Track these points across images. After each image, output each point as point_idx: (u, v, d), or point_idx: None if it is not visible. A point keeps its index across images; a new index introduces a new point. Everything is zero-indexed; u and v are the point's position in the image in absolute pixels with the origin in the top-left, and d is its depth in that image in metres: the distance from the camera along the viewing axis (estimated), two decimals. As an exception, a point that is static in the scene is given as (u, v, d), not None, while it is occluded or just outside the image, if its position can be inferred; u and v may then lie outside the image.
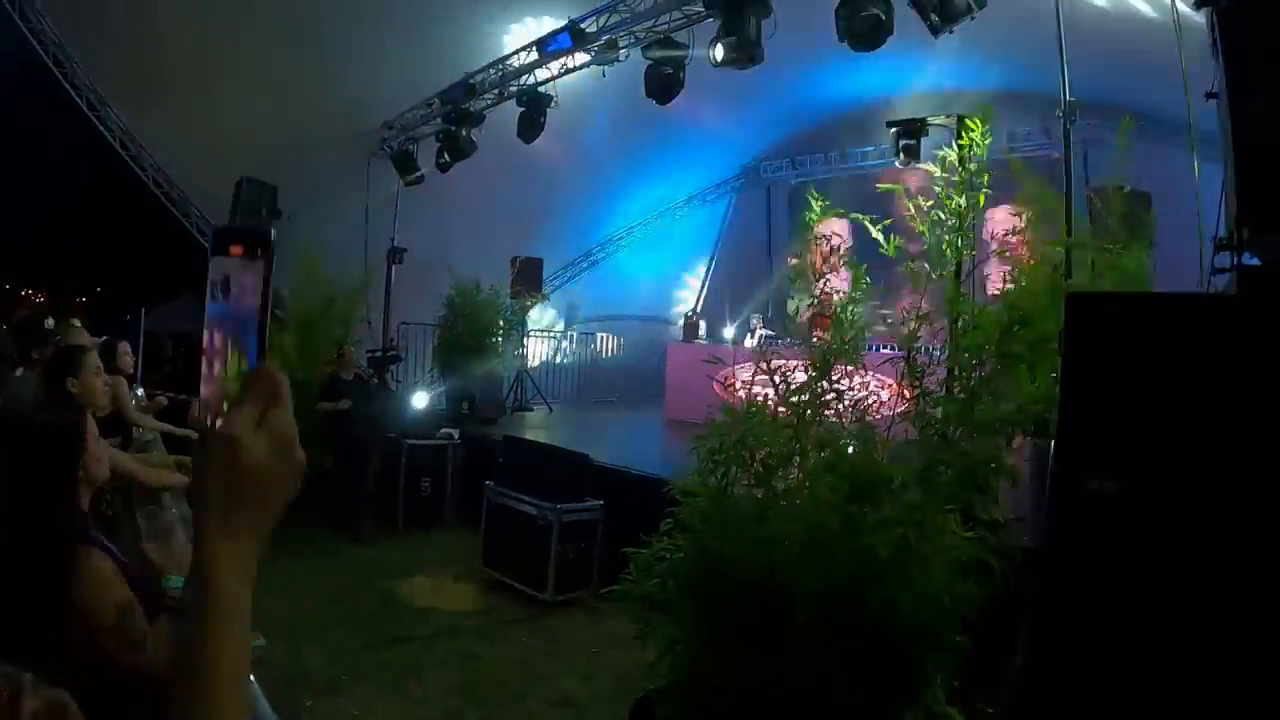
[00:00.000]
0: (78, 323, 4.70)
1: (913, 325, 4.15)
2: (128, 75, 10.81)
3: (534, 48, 9.25)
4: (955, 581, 3.33)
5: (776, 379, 4.03)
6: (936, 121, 7.56)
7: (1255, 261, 2.37)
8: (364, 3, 10.30)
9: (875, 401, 4.10)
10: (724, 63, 7.35)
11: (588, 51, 8.87)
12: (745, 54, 7.20)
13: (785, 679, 3.44)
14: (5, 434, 2.36)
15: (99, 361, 4.01)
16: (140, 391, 7.48)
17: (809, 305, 4.50)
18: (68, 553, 2.17)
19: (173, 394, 7.45)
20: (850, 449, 3.86)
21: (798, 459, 3.90)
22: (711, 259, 16.04)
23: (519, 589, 7.04)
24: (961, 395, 3.99)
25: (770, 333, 12.19)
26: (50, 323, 5.43)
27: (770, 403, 4.01)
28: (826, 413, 4.00)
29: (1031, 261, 4.26)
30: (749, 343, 11.52)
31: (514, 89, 10.12)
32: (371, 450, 9.24)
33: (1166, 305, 2.61)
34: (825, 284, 4.27)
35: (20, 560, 2.10)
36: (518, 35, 9.75)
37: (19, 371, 4.52)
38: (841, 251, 4.30)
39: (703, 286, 14.88)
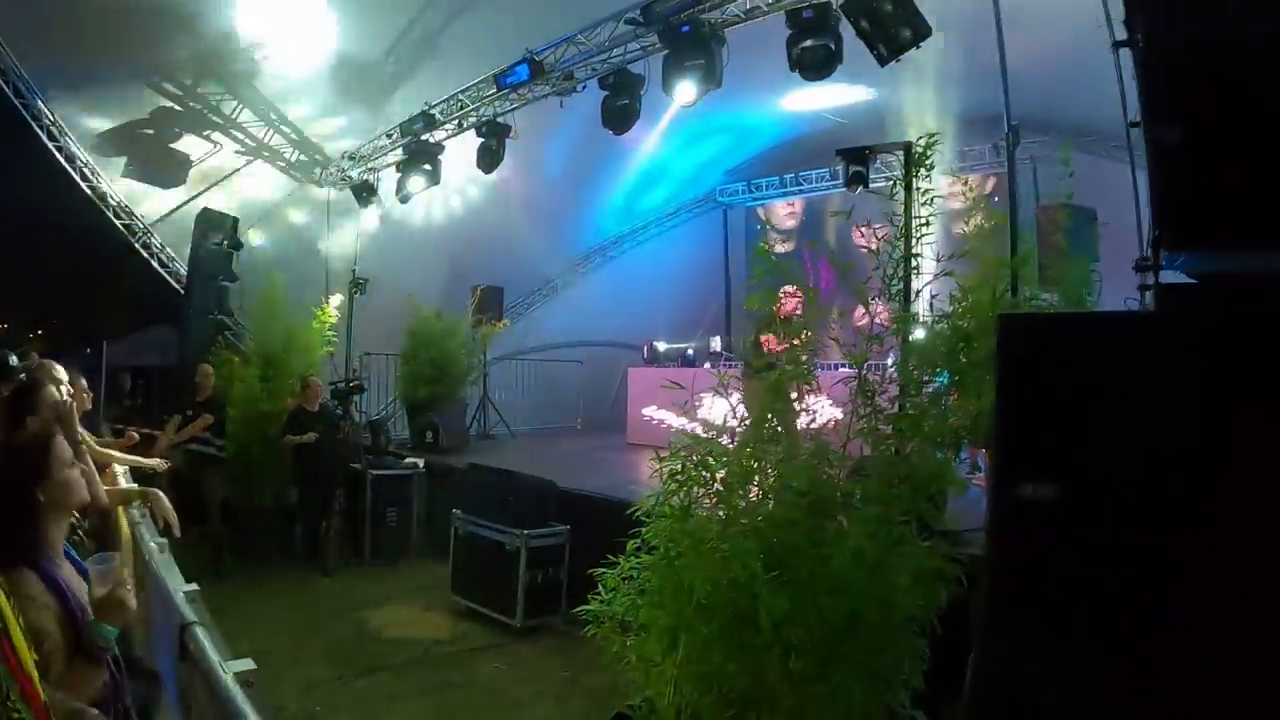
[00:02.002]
0: (52, 362, 4.69)
1: (863, 345, 4.30)
2: (89, 105, 10.81)
3: (491, 80, 9.37)
4: (914, 590, 3.48)
5: (733, 402, 4.15)
6: (883, 148, 7.77)
7: (1173, 279, 2.55)
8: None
9: (830, 421, 4.23)
10: (682, 98, 7.59)
11: (546, 83, 9.02)
12: (703, 83, 7.41)
13: (757, 690, 3.55)
14: None
15: (55, 396, 4.03)
16: (103, 428, 7.46)
17: (769, 337, 4.63)
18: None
19: (146, 429, 7.46)
20: (807, 467, 3.98)
21: (757, 478, 4.02)
22: (670, 282, 16.19)
23: (489, 616, 7.10)
24: (912, 412, 4.15)
25: (729, 354, 12.37)
26: (14, 359, 5.39)
27: (729, 423, 4.12)
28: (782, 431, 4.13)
29: (977, 280, 4.44)
30: (707, 366, 11.67)
31: (473, 120, 10.24)
32: (337, 482, 9.25)
33: (1090, 324, 2.79)
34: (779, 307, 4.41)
35: None
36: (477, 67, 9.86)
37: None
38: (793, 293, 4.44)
39: (661, 310, 15.02)
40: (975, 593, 2.99)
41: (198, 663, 2.57)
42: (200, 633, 2.72)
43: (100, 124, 10.99)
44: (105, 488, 4.15)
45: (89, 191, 11.37)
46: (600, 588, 4.09)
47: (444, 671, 6.10)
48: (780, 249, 15.89)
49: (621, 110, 8.51)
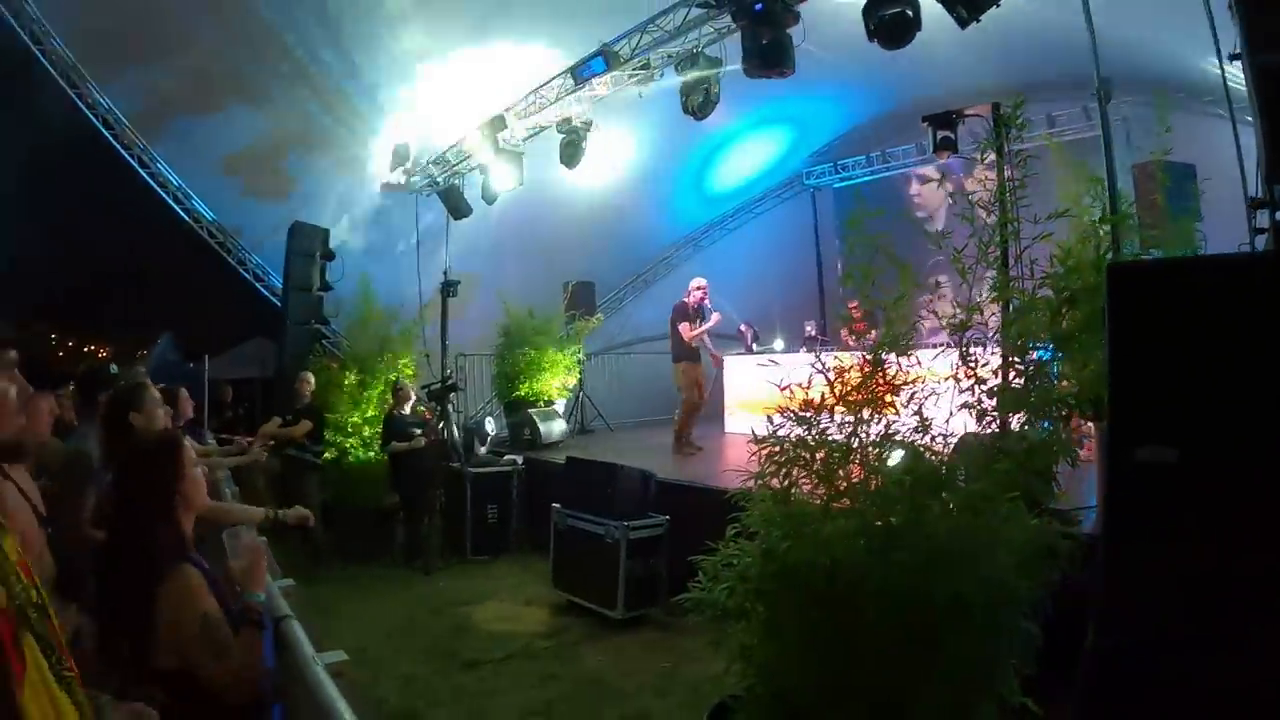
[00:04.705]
0: (141, 368, 4.87)
1: (961, 316, 4.12)
2: (179, 136, 11.22)
3: (569, 75, 9.34)
4: (1022, 570, 3.29)
5: (831, 376, 4.02)
6: (971, 111, 7.47)
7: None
8: (404, 44, 10.56)
9: (931, 394, 4.06)
10: (760, 78, 7.38)
11: (622, 74, 8.94)
12: (777, 64, 7.20)
13: (858, 677, 3.42)
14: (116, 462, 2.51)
15: (158, 395, 4.15)
16: (211, 440, 7.72)
17: (857, 305, 4.49)
18: (160, 570, 2.28)
19: (249, 437, 7.70)
20: (908, 444, 3.83)
21: (857, 457, 3.88)
22: (761, 268, 15.97)
23: (589, 608, 7.09)
24: (1016, 383, 3.95)
25: (824, 338, 12.13)
26: (114, 368, 5.61)
27: (827, 402, 3.99)
28: (884, 409, 3.98)
29: (1077, 239, 4.21)
30: (803, 350, 11.48)
31: (553, 117, 10.23)
32: (434, 482, 9.39)
33: (1205, 269, 2.56)
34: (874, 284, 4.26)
35: (115, 580, 2.21)
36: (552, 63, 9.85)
37: (77, 424, 4.68)
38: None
39: (754, 297, 14.82)
40: (1089, 572, 2.80)
41: (290, 655, 2.60)
42: (295, 626, 2.75)
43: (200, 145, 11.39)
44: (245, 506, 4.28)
45: (184, 215, 11.86)
46: (700, 576, 4.00)
47: (545, 664, 6.10)
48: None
49: (702, 96, 8.38)
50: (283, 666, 2.65)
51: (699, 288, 10.25)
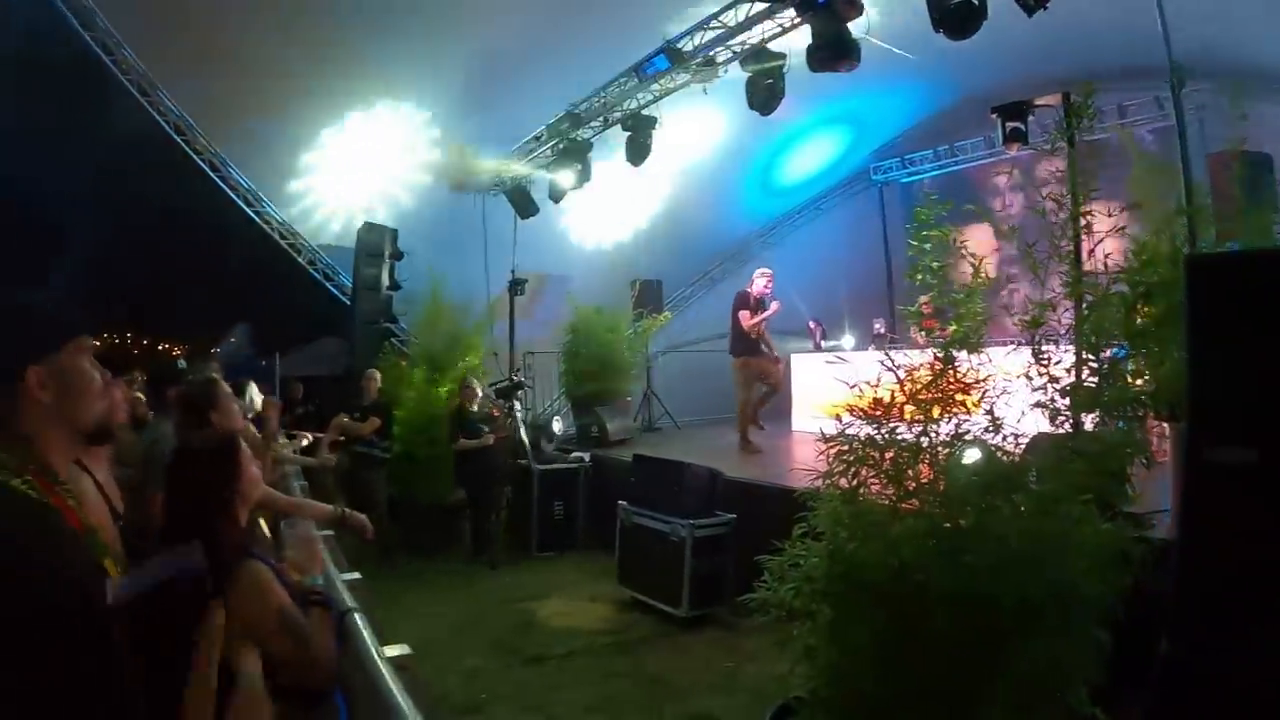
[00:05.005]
0: (212, 363, 5.03)
1: (1034, 312, 4.01)
2: (245, 137, 11.54)
3: (633, 72, 9.35)
4: (1093, 574, 3.18)
5: (901, 374, 3.95)
6: (1041, 102, 7.26)
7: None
8: (467, 46, 10.67)
9: (1003, 393, 3.97)
10: (827, 71, 7.28)
11: (686, 70, 8.91)
12: (841, 58, 7.10)
13: (923, 681, 3.35)
14: (171, 463, 2.57)
15: (230, 390, 4.26)
16: (279, 434, 7.90)
17: (928, 301, 4.40)
18: (228, 569, 2.33)
19: (318, 433, 7.86)
20: (979, 443, 3.74)
21: (927, 456, 3.81)
22: (828, 266, 15.79)
23: (654, 606, 7.08)
24: (1091, 380, 3.83)
25: (893, 336, 11.94)
26: (183, 363, 5.77)
27: (897, 400, 3.93)
28: (954, 408, 3.90)
29: (1152, 233, 4.07)
30: (871, 348, 11.33)
31: (618, 115, 10.26)
32: (501, 479, 9.47)
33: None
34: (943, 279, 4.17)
35: (182, 585, 2.26)
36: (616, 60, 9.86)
37: (151, 416, 4.81)
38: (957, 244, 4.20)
39: (821, 295, 14.65)
40: (1162, 578, 2.70)
41: (353, 648, 2.63)
42: (359, 619, 2.79)
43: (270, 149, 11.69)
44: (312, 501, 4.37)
45: (254, 216, 12.23)
46: (765, 576, 3.97)
47: (608, 661, 6.11)
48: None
49: (766, 91, 8.32)
50: (346, 659, 2.69)
51: (763, 276, 10.10)
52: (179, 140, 11.41)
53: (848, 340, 12.60)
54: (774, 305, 10.04)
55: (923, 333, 4.37)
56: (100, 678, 1.63)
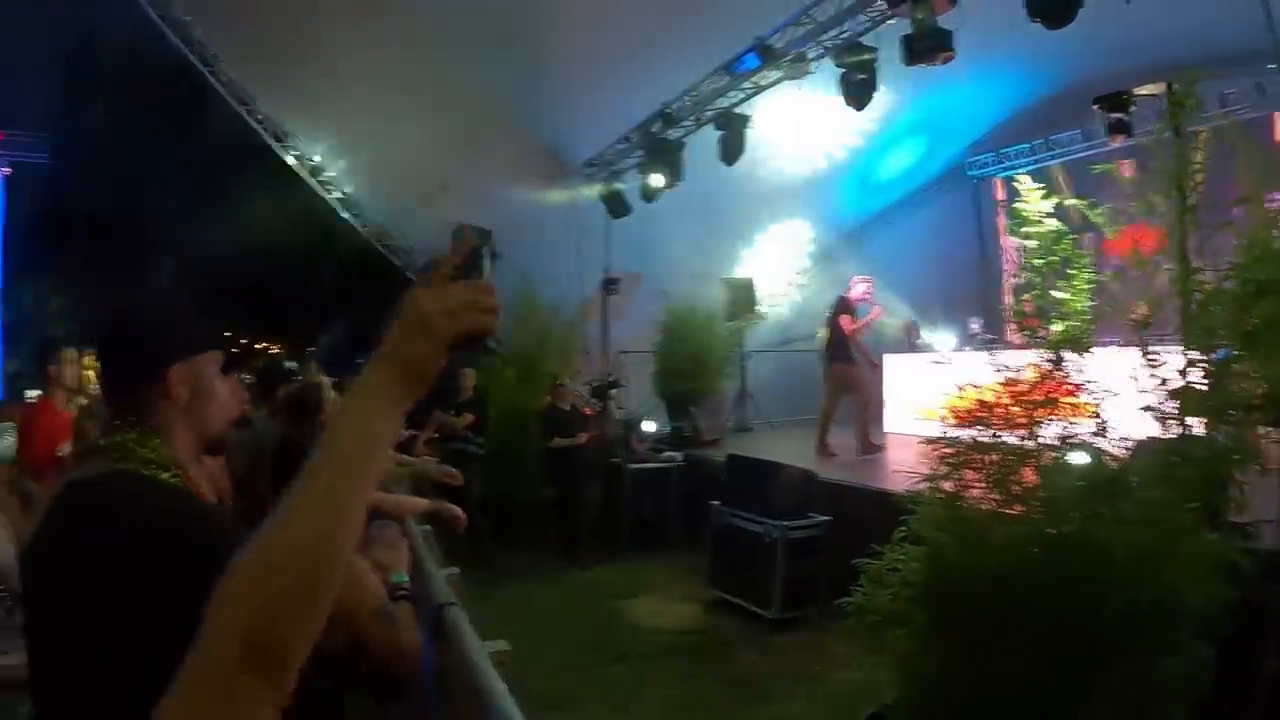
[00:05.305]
0: (316, 365, 5.22)
1: (1142, 311, 3.85)
2: (340, 135, 11.93)
3: (724, 71, 9.30)
4: (1198, 586, 3.03)
5: (1007, 375, 3.85)
6: (1143, 92, 6.93)
7: None
8: (557, 51, 10.78)
9: (1109, 395, 3.83)
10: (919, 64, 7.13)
11: (778, 67, 8.83)
12: (935, 50, 6.94)
13: (1019, 693, 3.25)
14: (276, 457, 2.66)
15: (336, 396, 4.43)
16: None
17: (1030, 299, 4.27)
18: None
19: (410, 430, 8.03)
20: (1085, 446, 3.62)
21: (1031, 460, 3.70)
22: (922, 263, 15.43)
23: (743, 608, 7.03)
24: (1198, 384, 3.65)
25: (991, 336, 11.62)
26: (292, 364, 5.98)
27: (1001, 402, 3.83)
28: (1060, 410, 3.77)
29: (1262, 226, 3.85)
30: (968, 348, 11.06)
31: (710, 113, 10.22)
32: (591, 477, 9.53)
33: None
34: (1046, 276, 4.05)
35: None
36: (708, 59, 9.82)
37: (260, 412, 4.99)
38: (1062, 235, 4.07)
39: (915, 293, 14.34)
40: (1272, 591, 2.56)
41: (453, 642, 2.67)
42: (459, 613, 2.83)
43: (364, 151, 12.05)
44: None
45: (351, 219, 12.63)
46: (861, 580, 3.90)
47: (695, 661, 6.09)
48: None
49: (859, 85, 8.18)
50: (445, 653, 2.74)
51: (864, 282, 9.95)
52: (276, 147, 11.86)
53: (945, 341, 12.33)
54: (875, 310, 9.89)
55: (1024, 332, 4.25)
56: None
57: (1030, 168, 14.94)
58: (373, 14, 10.16)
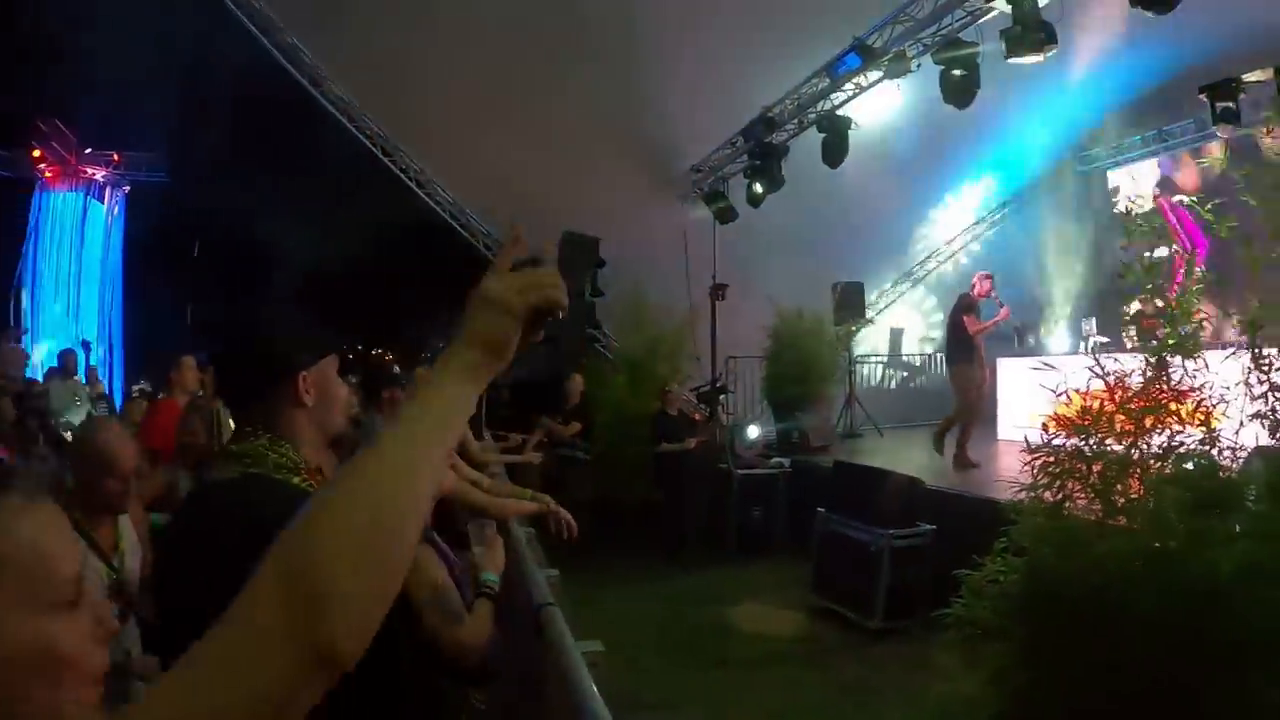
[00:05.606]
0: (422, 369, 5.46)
1: (1257, 313, 3.67)
2: (447, 147, 12.31)
3: (825, 73, 9.23)
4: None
5: (1110, 381, 3.73)
6: (1251, 77, 6.52)
7: None
8: (650, 57, 10.87)
9: (1220, 403, 3.66)
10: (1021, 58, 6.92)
11: (878, 67, 8.70)
12: (1038, 44, 6.72)
13: (1120, 708, 3.14)
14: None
15: None
16: (485, 434, 8.32)
17: (1144, 299, 4.13)
18: None
19: (523, 434, 8.23)
20: (1194, 457, 3.48)
21: (1137, 470, 3.57)
22: (1034, 262, 14.89)
23: (846, 616, 6.96)
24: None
25: (1105, 339, 11.13)
26: (397, 369, 6.22)
27: (1106, 409, 3.71)
28: (1168, 419, 3.63)
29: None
30: (1082, 350, 10.60)
31: (812, 116, 10.14)
32: (698, 482, 9.56)
33: None
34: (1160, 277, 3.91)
35: None
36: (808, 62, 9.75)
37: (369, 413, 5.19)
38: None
39: (1028, 294, 13.86)
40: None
41: (550, 641, 2.75)
42: (556, 613, 2.91)
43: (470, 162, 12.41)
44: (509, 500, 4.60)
45: (460, 229, 13.09)
46: (963, 590, 3.83)
47: (795, 669, 6.08)
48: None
49: (961, 83, 7.99)
50: (541, 652, 2.82)
51: (986, 278, 9.57)
52: (385, 161, 12.35)
53: (1056, 342, 11.89)
54: (1003, 311, 9.54)
55: (1136, 336, 4.12)
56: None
57: (1141, 158, 14.34)
58: (476, 34, 10.47)
